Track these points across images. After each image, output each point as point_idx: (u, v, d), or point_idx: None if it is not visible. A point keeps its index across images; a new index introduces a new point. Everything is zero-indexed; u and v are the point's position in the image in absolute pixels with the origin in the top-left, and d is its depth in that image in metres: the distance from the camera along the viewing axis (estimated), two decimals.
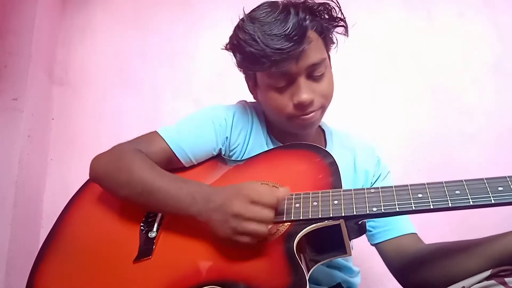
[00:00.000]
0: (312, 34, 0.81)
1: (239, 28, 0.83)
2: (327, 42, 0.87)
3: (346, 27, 0.88)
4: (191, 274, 0.69)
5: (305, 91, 0.80)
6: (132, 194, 0.78)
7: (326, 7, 0.84)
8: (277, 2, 0.83)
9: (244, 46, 0.80)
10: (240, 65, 0.88)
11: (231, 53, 0.88)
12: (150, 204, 0.78)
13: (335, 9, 0.85)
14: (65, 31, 1.75)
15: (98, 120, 1.63)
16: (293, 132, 0.90)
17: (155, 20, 1.77)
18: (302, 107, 0.81)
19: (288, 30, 0.77)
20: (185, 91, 1.66)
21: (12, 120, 1.43)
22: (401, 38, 1.70)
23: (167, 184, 0.76)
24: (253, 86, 0.92)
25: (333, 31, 0.88)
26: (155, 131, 0.89)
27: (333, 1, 0.85)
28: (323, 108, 0.86)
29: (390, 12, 1.74)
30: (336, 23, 0.87)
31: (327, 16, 0.85)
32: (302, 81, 0.81)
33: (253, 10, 0.84)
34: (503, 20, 1.68)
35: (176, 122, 0.92)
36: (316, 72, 0.82)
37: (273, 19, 0.79)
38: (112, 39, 1.75)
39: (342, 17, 0.87)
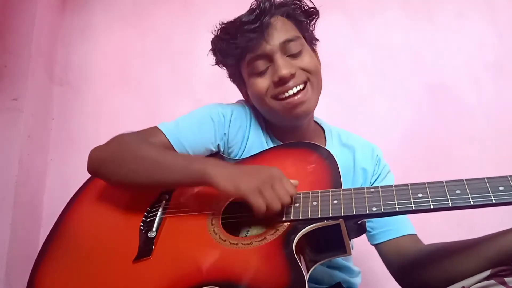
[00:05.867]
0: (279, 18, 0.87)
1: (216, 31, 0.92)
2: (301, 26, 0.91)
3: (317, 13, 0.93)
4: (190, 274, 0.69)
5: (284, 66, 0.83)
6: (137, 169, 0.78)
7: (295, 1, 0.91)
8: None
9: (220, 43, 0.89)
10: (224, 64, 0.95)
11: (220, 66, 0.96)
12: (156, 177, 0.77)
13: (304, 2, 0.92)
14: (65, 31, 1.75)
15: (98, 120, 1.63)
16: (292, 125, 0.90)
17: (155, 20, 1.77)
18: (283, 82, 0.83)
19: (254, 17, 0.84)
20: (185, 91, 1.66)
21: (12, 120, 1.43)
22: (401, 38, 1.70)
23: (178, 155, 0.80)
24: (245, 91, 0.95)
25: (309, 21, 0.93)
26: (155, 126, 0.90)
27: None
28: (311, 85, 0.86)
29: (390, 12, 1.74)
30: (306, 9, 0.92)
31: (297, 9, 0.91)
32: (279, 57, 0.84)
33: None
34: (503, 20, 1.68)
35: (175, 119, 0.93)
36: (292, 49, 0.85)
37: (244, 15, 0.87)
38: (112, 39, 1.75)
39: (310, 4, 0.92)
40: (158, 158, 0.77)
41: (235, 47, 0.86)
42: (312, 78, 0.87)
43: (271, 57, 0.84)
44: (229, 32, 0.87)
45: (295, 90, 0.84)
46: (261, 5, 0.84)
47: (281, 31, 0.85)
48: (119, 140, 0.84)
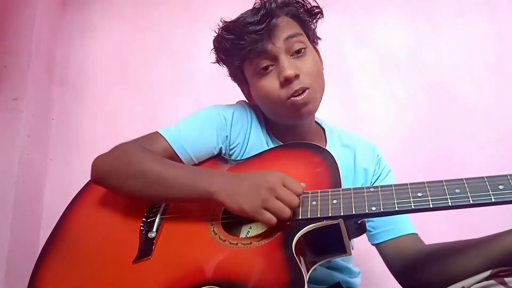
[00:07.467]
0: (284, 18, 0.87)
1: (219, 30, 0.91)
2: (304, 25, 0.91)
3: (320, 12, 0.93)
4: (190, 274, 0.69)
5: (288, 66, 0.83)
6: (141, 185, 0.78)
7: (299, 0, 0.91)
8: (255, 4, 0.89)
9: (224, 42, 0.88)
10: (227, 64, 0.94)
11: (221, 64, 0.96)
12: (161, 193, 0.77)
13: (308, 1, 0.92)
14: (65, 31, 1.75)
15: (98, 120, 1.63)
16: (293, 125, 0.90)
17: (155, 19, 1.77)
18: (289, 83, 0.83)
19: (259, 17, 0.84)
20: (185, 91, 1.66)
21: (12, 120, 1.43)
22: (401, 38, 1.70)
23: (182, 170, 0.78)
24: (247, 90, 0.94)
25: (313, 19, 0.93)
26: (156, 132, 0.90)
27: None
28: (314, 89, 0.85)
29: (390, 12, 1.74)
30: (309, 8, 0.92)
31: (301, 8, 0.91)
32: (284, 58, 0.84)
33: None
34: (503, 20, 1.68)
35: (176, 123, 0.92)
36: (294, 46, 0.85)
37: (248, 14, 0.87)
38: (112, 39, 1.75)
39: (315, 4, 0.93)
40: (162, 174, 0.77)
41: (240, 47, 0.85)
42: (315, 83, 0.86)
43: (276, 57, 0.84)
44: (233, 32, 0.86)
45: (302, 96, 0.84)
46: (267, 5, 0.84)
47: (284, 29, 0.86)
48: (122, 152, 0.83)
